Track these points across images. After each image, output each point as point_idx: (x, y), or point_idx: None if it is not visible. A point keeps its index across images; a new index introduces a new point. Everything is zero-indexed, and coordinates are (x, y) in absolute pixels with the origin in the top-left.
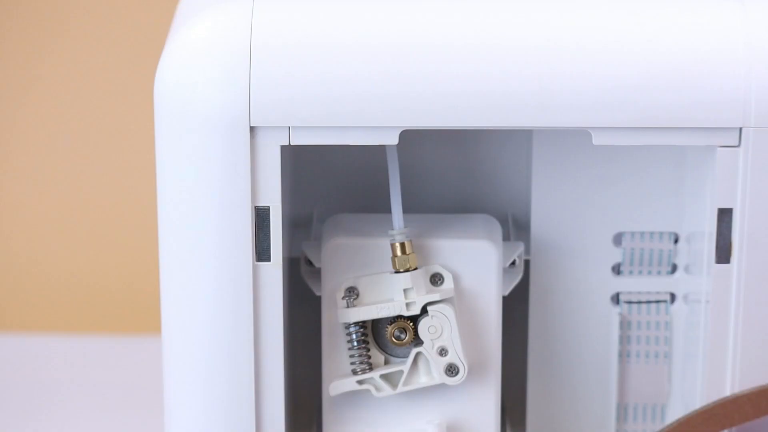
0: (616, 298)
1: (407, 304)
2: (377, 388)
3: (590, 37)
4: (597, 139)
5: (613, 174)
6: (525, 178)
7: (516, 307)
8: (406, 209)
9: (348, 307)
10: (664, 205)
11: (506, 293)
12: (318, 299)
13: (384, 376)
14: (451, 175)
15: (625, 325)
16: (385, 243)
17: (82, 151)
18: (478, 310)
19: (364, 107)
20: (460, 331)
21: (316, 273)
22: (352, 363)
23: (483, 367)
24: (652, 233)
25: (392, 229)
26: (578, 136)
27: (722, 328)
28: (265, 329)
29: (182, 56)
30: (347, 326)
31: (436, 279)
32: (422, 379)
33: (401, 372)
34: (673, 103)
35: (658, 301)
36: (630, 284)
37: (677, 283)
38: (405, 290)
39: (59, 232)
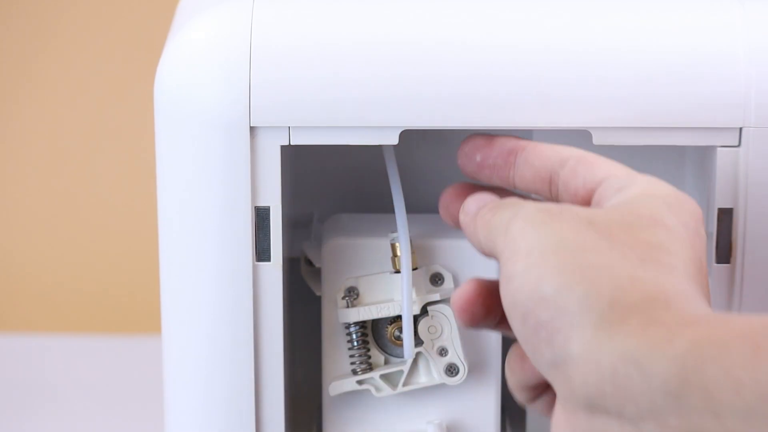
0: None
1: None
2: (377, 388)
3: (590, 37)
4: (597, 139)
5: None
6: None
7: None
8: (407, 209)
9: (348, 307)
10: None
11: None
12: (318, 299)
13: (384, 376)
14: (451, 175)
15: None
16: (385, 243)
17: (82, 151)
18: None
19: (364, 107)
20: (460, 331)
21: (316, 273)
22: (352, 363)
23: (483, 367)
24: None
25: (393, 231)
26: (578, 136)
27: None
28: (265, 329)
29: (182, 56)
30: (347, 326)
31: (436, 279)
32: (422, 379)
33: (401, 372)
34: (673, 103)
35: None
36: None
37: None
38: None
39: (59, 233)
